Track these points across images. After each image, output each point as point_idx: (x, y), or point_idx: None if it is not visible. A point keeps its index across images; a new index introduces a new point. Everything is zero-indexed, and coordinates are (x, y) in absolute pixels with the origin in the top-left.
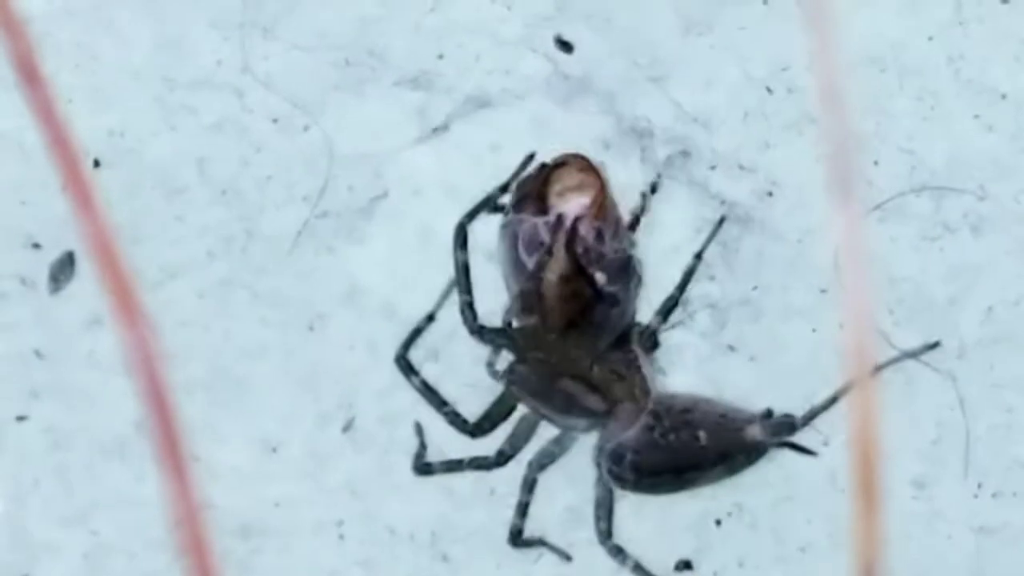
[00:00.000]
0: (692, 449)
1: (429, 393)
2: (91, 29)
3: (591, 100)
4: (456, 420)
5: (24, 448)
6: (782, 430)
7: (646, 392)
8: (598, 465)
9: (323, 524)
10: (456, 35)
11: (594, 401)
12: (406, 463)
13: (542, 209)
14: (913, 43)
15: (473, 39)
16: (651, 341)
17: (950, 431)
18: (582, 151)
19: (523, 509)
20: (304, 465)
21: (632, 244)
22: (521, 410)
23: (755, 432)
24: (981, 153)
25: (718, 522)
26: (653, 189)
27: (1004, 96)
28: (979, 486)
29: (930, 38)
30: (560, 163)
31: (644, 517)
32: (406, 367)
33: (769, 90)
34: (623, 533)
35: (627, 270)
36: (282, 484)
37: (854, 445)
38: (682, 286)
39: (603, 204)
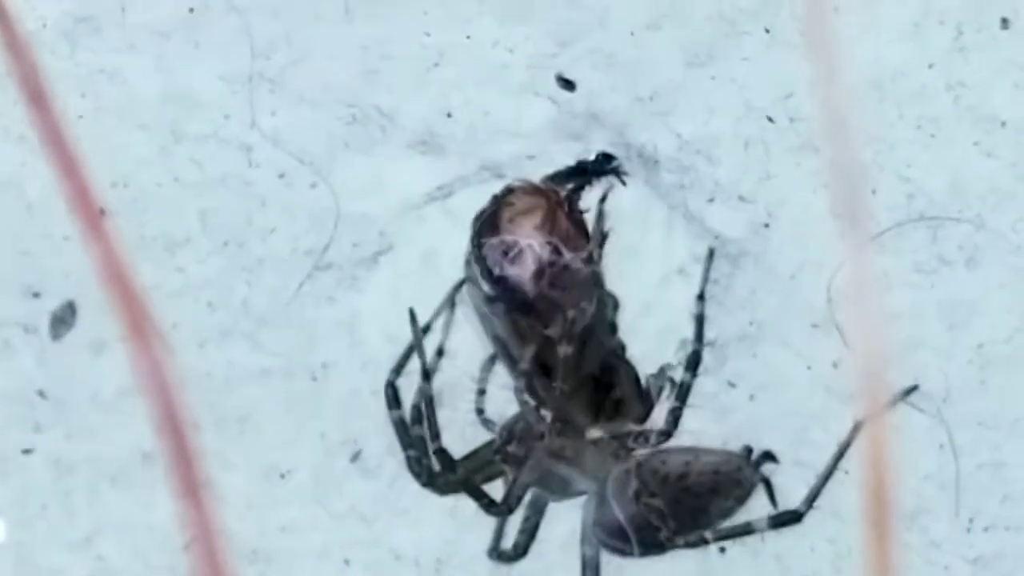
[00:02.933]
0: (696, 517)
1: (401, 430)
2: (97, 80)
3: (594, 135)
4: (414, 466)
5: (30, 477)
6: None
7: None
8: (593, 537)
9: (329, 549)
10: (463, 90)
11: (586, 483)
12: (413, 488)
13: (495, 235)
14: (913, 70)
15: (479, 93)
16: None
17: (941, 467)
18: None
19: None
20: (311, 491)
21: (597, 260)
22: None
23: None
24: (980, 180)
25: (722, 549)
26: (603, 199)
27: (1004, 123)
28: (971, 521)
29: (930, 65)
30: (508, 191)
31: None
32: (392, 397)
33: (770, 119)
34: (627, 560)
35: (594, 284)
36: (289, 509)
37: (867, 483)
38: (699, 336)
39: (554, 221)
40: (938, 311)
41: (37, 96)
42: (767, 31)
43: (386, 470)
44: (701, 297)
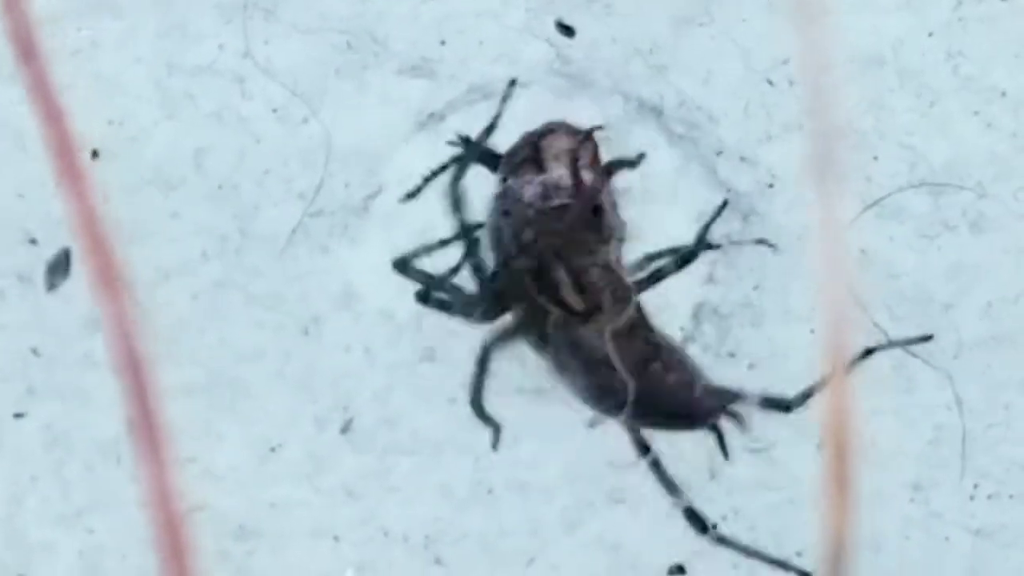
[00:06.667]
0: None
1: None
2: (92, 14)
3: (594, 83)
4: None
5: (21, 446)
6: (777, 404)
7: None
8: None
9: (318, 526)
10: (458, 20)
11: (574, 300)
12: (404, 464)
13: (541, 172)
14: (913, 40)
15: (475, 25)
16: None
17: (947, 432)
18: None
19: (477, 382)
20: (301, 467)
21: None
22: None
23: (752, 401)
24: (980, 150)
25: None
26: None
27: (1004, 94)
28: (975, 487)
29: (930, 35)
30: (548, 131)
31: (639, 520)
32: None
33: (770, 82)
34: (617, 536)
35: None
36: (279, 486)
37: (827, 426)
38: (699, 241)
39: (596, 157)
40: (944, 273)
41: (27, 46)
42: None
43: (377, 443)
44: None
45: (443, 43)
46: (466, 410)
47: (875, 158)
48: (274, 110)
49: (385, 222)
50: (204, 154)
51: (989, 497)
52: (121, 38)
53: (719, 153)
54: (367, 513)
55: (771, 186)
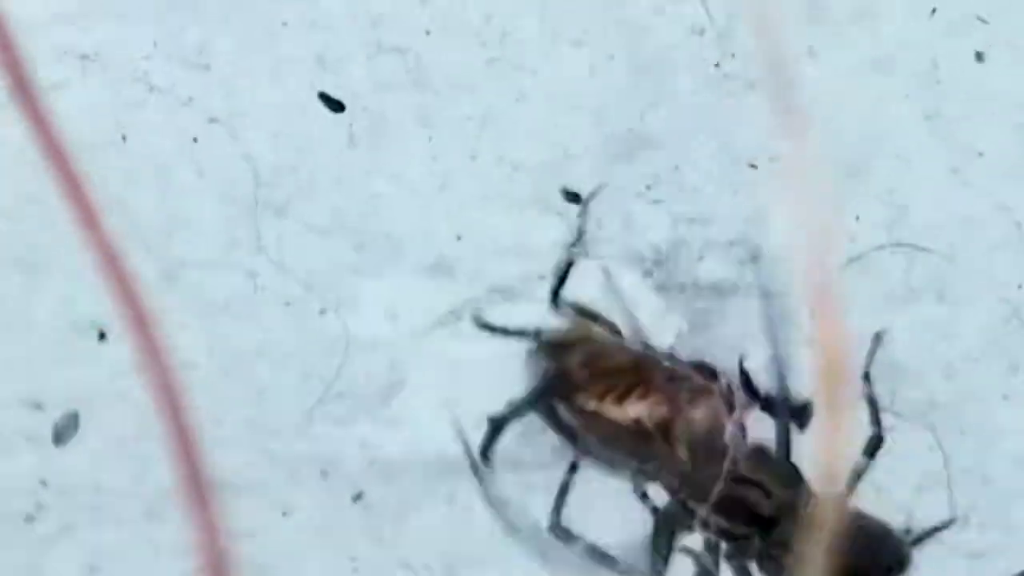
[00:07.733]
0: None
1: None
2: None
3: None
4: None
5: None
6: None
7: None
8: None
9: (337, 557)
10: (469, 210)
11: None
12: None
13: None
14: (890, 100)
15: (486, 211)
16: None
17: (931, 479)
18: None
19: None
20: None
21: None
22: None
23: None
24: (957, 209)
25: None
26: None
27: (981, 154)
28: (966, 519)
29: (907, 96)
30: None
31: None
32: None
33: (753, 166)
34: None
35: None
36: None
37: (822, 354)
38: (875, 418)
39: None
40: (911, 335)
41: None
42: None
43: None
44: (866, 377)
45: (459, 239)
46: None
47: (857, 218)
48: (287, 304)
49: (407, 408)
50: (216, 341)
51: (981, 526)
52: (129, 232)
53: (701, 258)
54: (387, 543)
55: (755, 259)
